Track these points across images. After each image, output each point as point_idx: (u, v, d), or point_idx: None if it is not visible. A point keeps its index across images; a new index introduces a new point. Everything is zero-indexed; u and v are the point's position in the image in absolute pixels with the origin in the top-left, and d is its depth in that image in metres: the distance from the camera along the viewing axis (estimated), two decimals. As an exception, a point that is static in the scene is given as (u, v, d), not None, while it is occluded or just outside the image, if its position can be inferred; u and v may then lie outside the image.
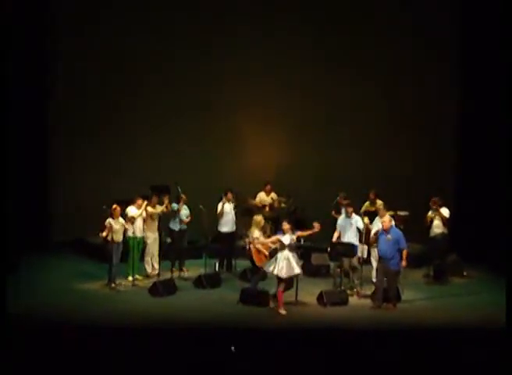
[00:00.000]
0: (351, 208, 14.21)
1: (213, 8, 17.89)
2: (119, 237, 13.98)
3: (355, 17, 18.06)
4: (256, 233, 13.52)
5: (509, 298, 11.28)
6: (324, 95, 18.20)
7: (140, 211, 14.40)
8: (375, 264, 14.06)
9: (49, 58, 17.47)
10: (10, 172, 14.70)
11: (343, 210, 14.76)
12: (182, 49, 17.90)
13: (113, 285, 13.88)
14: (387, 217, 13.45)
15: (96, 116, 17.78)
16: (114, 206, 13.93)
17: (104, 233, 13.74)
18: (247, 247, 13.75)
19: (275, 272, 12.73)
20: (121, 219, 14.02)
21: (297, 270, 12.88)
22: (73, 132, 17.72)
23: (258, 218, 13.75)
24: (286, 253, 12.77)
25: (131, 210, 14.37)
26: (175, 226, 14.96)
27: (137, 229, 14.42)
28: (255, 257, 13.54)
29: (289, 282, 12.95)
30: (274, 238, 13.16)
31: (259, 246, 13.46)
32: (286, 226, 12.89)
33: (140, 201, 14.43)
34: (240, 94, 18.01)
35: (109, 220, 13.81)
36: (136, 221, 14.37)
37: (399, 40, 18.06)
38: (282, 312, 12.74)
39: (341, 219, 14.34)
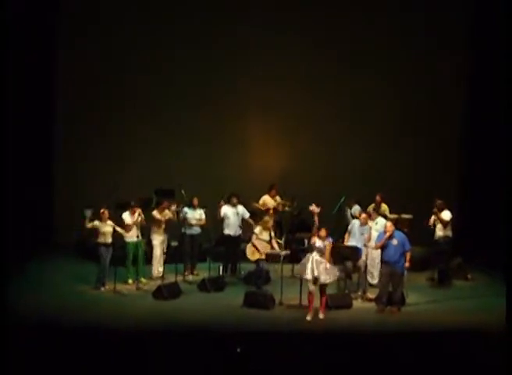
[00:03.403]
0: (364, 215, 14.20)
1: (225, 8, 17.98)
2: (107, 240, 14.03)
3: (366, 15, 18.10)
4: (258, 229, 13.82)
5: (509, 298, 11.27)
6: (331, 97, 18.22)
7: (134, 220, 14.32)
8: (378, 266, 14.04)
9: (62, 58, 17.63)
10: (15, 172, 14.77)
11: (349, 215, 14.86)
12: (192, 50, 17.91)
13: (102, 289, 13.96)
14: (389, 222, 13.47)
15: (103, 117, 17.84)
16: (102, 210, 13.98)
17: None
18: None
19: (309, 277, 12.72)
20: (110, 222, 14.05)
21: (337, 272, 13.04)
22: (79, 132, 17.77)
23: (267, 218, 14.13)
24: (316, 257, 12.77)
25: (126, 218, 14.36)
26: (184, 229, 14.96)
27: (133, 234, 14.38)
28: (248, 250, 13.78)
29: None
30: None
31: (256, 242, 13.69)
32: (323, 232, 12.91)
33: (134, 210, 14.34)
34: (246, 97, 18.05)
35: (95, 223, 13.90)
36: (131, 228, 14.38)
37: (411, 40, 18.14)
38: (321, 316, 12.80)
39: (353, 224, 14.30)
